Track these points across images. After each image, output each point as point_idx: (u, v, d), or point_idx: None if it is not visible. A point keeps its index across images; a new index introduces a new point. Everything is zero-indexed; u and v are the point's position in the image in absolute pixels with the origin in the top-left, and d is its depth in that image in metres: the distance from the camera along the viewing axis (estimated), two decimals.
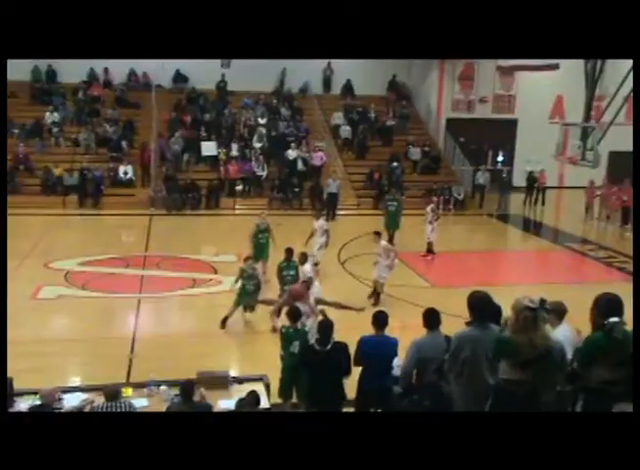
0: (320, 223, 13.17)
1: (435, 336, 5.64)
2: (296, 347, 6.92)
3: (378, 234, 11.62)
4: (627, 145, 22.00)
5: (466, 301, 4.99)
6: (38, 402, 5.52)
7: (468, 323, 5.12)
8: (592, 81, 16.04)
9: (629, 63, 14.22)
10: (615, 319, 4.21)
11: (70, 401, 5.88)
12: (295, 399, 7.03)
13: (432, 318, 5.75)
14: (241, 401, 5.55)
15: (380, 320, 6.22)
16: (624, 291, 4.74)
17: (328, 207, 19.22)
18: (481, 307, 4.91)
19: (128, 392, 6.14)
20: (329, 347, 6.02)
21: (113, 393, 5.47)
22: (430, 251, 14.77)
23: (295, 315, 7.15)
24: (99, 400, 5.60)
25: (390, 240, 14.93)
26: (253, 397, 5.60)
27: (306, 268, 9.76)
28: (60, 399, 5.87)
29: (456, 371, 4.98)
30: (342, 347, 6.13)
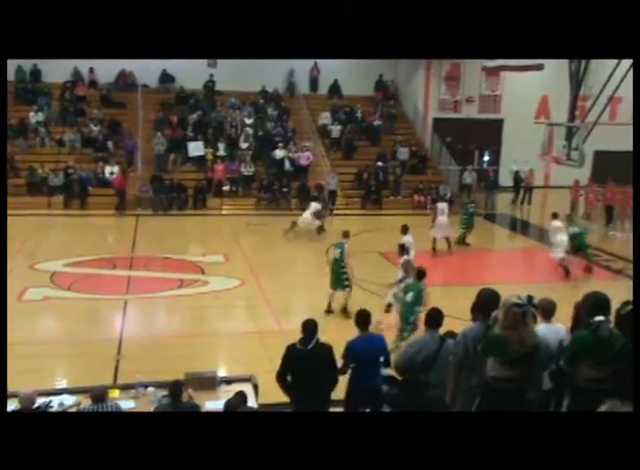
0: (407, 238, 11.23)
1: (433, 334, 5.66)
2: (410, 296, 8.32)
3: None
4: (612, 144, 22.25)
5: (475, 298, 5.03)
6: (18, 406, 5.43)
7: (474, 320, 5.14)
8: (577, 81, 16.13)
9: (613, 63, 14.34)
10: (601, 318, 4.25)
11: (57, 404, 5.83)
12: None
13: (433, 318, 5.76)
14: (228, 402, 5.52)
15: (363, 319, 6.12)
16: (608, 289, 4.79)
17: (328, 204, 19.56)
18: (489, 305, 4.85)
19: (115, 393, 6.09)
20: (310, 346, 5.82)
21: (99, 395, 5.42)
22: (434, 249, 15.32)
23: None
24: (86, 403, 5.55)
25: (463, 241, 16.43)
26: (241, 397, 5.57)
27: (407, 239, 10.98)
28: (49, 402, 5.81)
29: (459, 368, 4.97)
30: (325, 348, 5.89)
